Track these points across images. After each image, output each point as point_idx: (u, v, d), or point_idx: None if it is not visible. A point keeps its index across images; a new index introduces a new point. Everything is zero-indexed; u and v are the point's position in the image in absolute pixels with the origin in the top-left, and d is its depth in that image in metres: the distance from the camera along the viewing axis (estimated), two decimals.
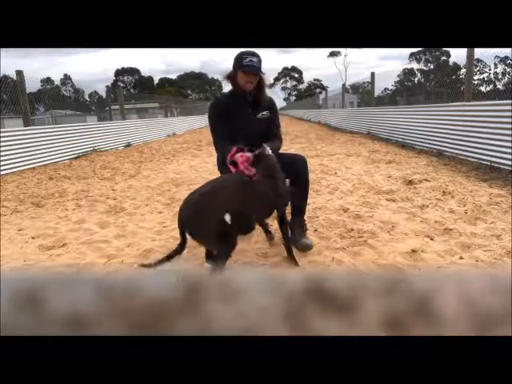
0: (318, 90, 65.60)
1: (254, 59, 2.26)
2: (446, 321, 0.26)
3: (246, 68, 2.27)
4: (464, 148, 5.50)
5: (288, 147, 7.51)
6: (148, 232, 2.82)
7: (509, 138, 4.42)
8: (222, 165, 2.41)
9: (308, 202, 2.56)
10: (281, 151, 2.53)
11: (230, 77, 2.37)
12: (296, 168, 2.37)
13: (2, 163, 5.76)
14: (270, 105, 2.51)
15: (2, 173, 5.69)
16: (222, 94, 2.50)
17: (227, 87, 2.50)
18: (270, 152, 2.13)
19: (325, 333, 0.26)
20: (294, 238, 2.35)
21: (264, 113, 2.45)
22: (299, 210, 2.44)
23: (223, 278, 0.28)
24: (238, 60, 2.29)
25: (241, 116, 2.38)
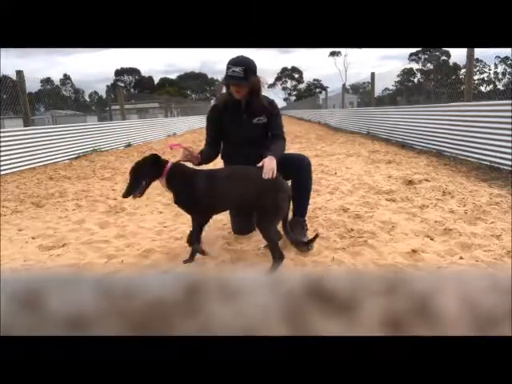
0: (317, 90, 65.60)
1: (237, 69, 2.16)
2: (445, 321, 0.26)
3: (228, 81, 2.22)
4: (464, 148, 5.50)
5: (288, 147, 7.51)
6: (148, 232, 2.81)
7: (509, 138, 4.42)
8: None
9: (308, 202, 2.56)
10: (286, 151, 2.53)
11: (223, 85, 2.37)
12: (299, 168, 2.38)
13: (2, 163, 5.76)
14: (270, 107, 2.42)
15: (2, 173, 5.69)
16: (222, 100, 2.46)
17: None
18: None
19: (325, 333, 0.26)
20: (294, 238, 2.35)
21: (261, 117, 2.39)
22: (300, 209, 2.44)
23: (223, 277, 0.28)
24: (226, 69, 2.23)
25: (235, 121, 2.37)
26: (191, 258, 2.21)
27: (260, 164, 2.10)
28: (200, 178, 2.10)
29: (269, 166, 2.08)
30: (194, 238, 2.21)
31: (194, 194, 2.05)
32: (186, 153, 2.19)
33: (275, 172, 2.08)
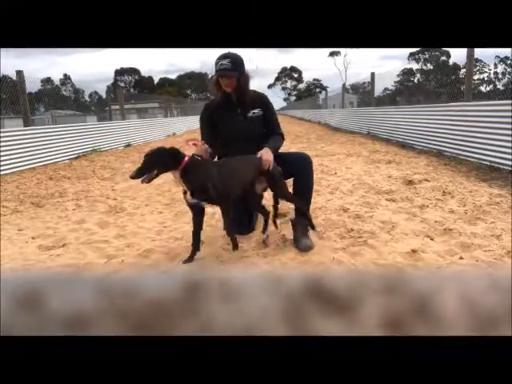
0: (317, 90, 65.53)
1: (225, 61, 2.26)
2: (445, 321, 0.26)
3: (218, 73, 2.29)
4: (464, 148, 5.50)
5: (288, 147, 7.51)
6: (148, 232, 2.81)
7: (509, 138, 4.42)
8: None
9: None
10: (284, 151, 2.55)
11: (214, 83, 2.39)
12: (300, 167, 2.39)
13: (2, 163, 5.76)
14: (263, 102, 2.48)
15: (2, 173, 5.69)
16: (214, 98, 2.53)
17: None
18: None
19: (325, 333, 0.26)
20: (295, 237, 2.36)
21: (255, 111, 2.43)
22: (302, 208, 2.45)
23: (223, 277, 0.28)
24: (214, 65, 2.32)
25: (229, 118, 2.41)
26: (191, 258, 2.22)
27: (258, 156, 2.23)
28: (213, 167, 2.17)
29: (266, 157, 2.22)
30: (196, 240, 2.23)
31: (211, 183, 2.10)
32: (204, 147, 2.25)
33: (272, 163, 2.23)
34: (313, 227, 2.41)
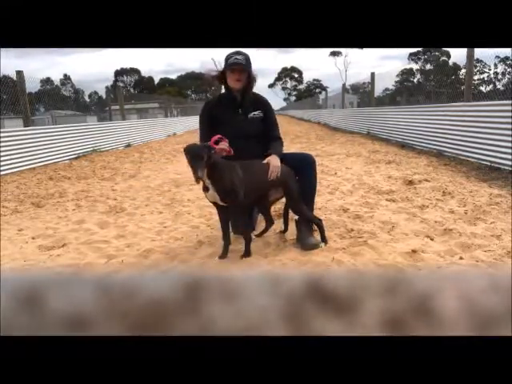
0: (317, 90, 65.52)
1: (239, 57, 2.29)
2: (445, 321, 0.26)
3: (232, 66, 2.30)
4: (464, 148, 5.50)
5: (288, 147, 7.50)
6: (148, 232, 2.81)
7: (509, 138, 4.42)
8: None
9: None
10: (288, 151, 2.57)
11: (219, 78, 2.39)
12: (304, 167, 2.40)
13: (2, 163, 5.76)
14: (264, 104, 2.50)
15: (2, 173, 5.69)
16: (215, 96, 2.54)
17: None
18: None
19: (325, 333, 0.26)
20: (300, 236, 2.36)
21: (256, 112, 2.44)
22: (306, 207, 2.46)
23: (223, 277, 0.28)
24: (225, 60, 2.34)
25: (230, 117, 2.41)
26: (224, 253, 2.25)
27: (265, 161, 2.25)
28: (236, 167, 2.17)
29: (274, 164, 2.24)
30: (225, 234, 2.27)
31: (237, 181, 2.12)
32: (227, 145, 2.21)
33: (279, 171, 2.23)
34: (325, 240, 2.37)
